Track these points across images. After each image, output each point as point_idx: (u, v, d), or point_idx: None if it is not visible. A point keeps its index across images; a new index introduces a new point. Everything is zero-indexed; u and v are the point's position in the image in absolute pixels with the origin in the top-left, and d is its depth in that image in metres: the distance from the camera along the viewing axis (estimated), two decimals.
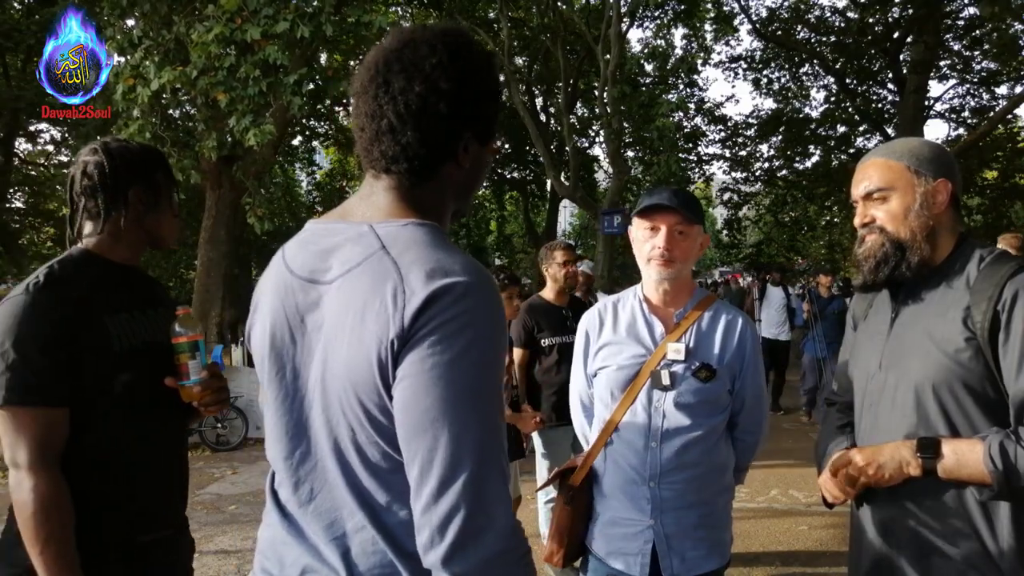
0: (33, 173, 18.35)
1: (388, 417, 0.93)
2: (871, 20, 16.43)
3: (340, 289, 0.98)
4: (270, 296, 1.08)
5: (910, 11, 14.99)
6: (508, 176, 23.70)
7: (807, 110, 20.00)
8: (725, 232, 23.83)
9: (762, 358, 2.02)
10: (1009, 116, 15.95)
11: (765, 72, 19.65)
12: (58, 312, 1.41)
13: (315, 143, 20.86)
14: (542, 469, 3.84)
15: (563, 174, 16.37)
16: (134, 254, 1.63)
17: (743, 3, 17.81)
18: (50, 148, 18.35)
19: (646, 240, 1.90)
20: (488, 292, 0.93)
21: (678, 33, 43.44)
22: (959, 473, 1.33)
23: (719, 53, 32.56)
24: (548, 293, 4.06)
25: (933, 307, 1.45)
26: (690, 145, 20.89)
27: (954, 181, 1.49)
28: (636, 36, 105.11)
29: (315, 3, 7.54)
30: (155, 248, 1.70)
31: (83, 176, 1.56)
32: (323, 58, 10.81)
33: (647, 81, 20.48)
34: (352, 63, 12.11)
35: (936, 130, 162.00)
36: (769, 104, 26.75)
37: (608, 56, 14.22)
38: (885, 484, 1.43)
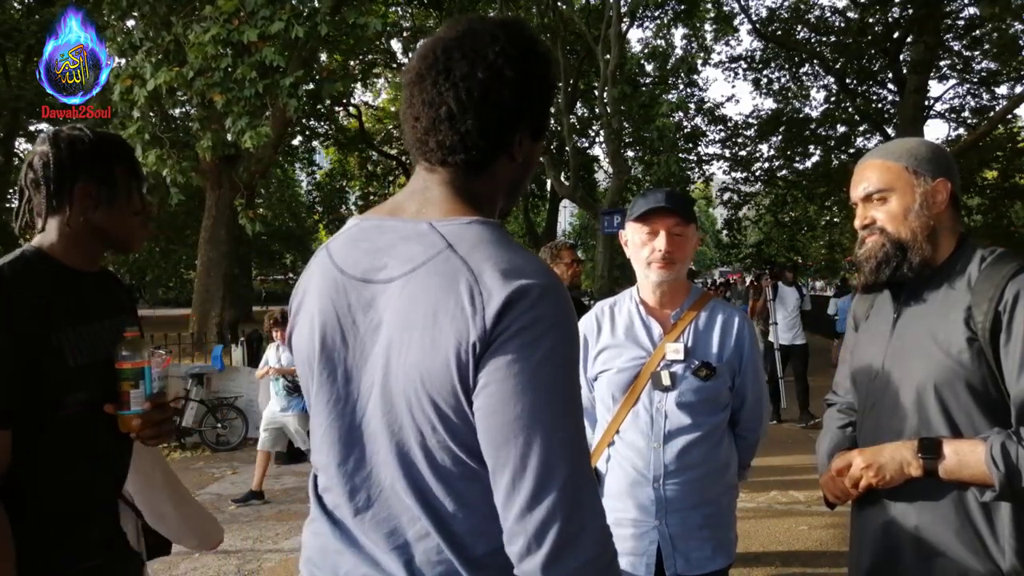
0: None
1: (464, 421, 0.91)
2: (871, 20, 16.44)
3: (404, 289, 0.94)
4: (317, 296, 1.03)
5: (910, 11, 15.00)
6: None
7: (807, 110, 20.03)
8: (725, 232, 23.84)
9: (761, 355, 2.02)
10: (1009, 116, 15.96)
11: (765, 72, 19.67)
12: (5, 324, 1.26)
13: (315, 143, 20.87)
14: None
15: (563, 174, 16.38)
16: (88, 258, 1.48)
17: (743, 3, 17.84)
18: None
19: (644, 244, 1.90)
20: (562, 293, 0.92)
21: (678, 33, 43.46)
22: (960, 474, 1.33)
23: (719, 53, 32.55)
24: None
25: (935, 308, 1.45)
26: (690, 145, 20.90)
27: (953, 180, 1.48)
28: (636, 36, 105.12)
29: (313, 4, 7.54)
30: (116, 252, 1.55)
31: (28, 168, 1.43)
32: (323, 58, 10.81)
33: (647, 81, 20.49)
34: (352, 63, 12.11)
35: (936, 130, 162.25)
36: (769, 104, 26.73)
37: (608, 56, 14.23)
38: (886, 485, 1.43)
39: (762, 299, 9.23)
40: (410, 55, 1.10)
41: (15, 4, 13.82)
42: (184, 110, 10.69)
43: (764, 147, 20.72)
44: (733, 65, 19.95)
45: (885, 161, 1.52)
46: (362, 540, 0.99)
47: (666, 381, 1.84)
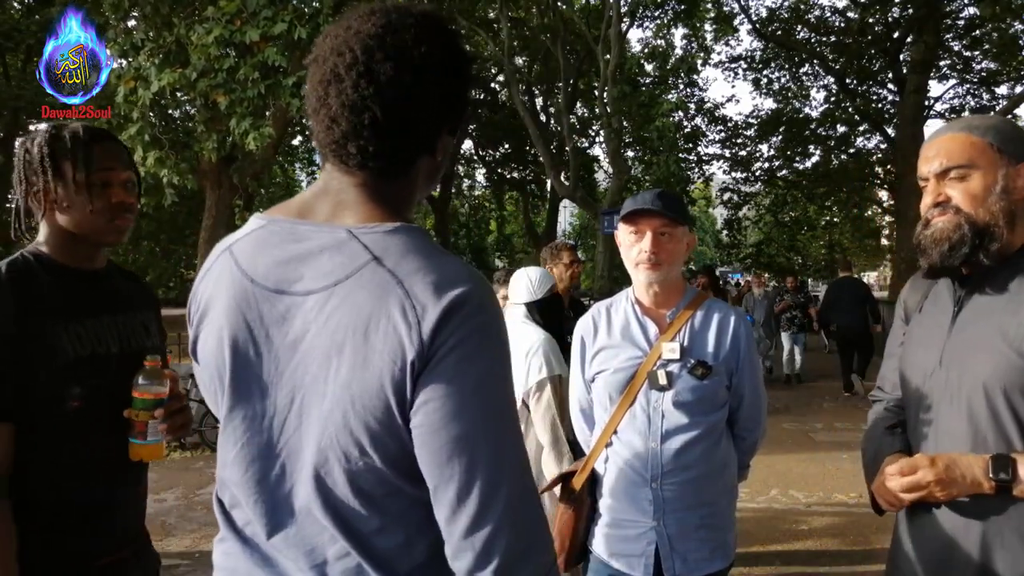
0: None
1: (396, 439, 0.88)
2: (871, 20, 16.44)
3: (326, 303, 0.89)
4: (224, 306, 0.96)
5: (910, 11, 15.00)
6: (508, 176, 23.70)
7: (807, 110, 20.04)
8: (725, 232, 23.84)
9: (758, 355, 2.02)
10: (1009, 116, 15.95)
11: (765, 72, 19.68)
12: (1, 321, 1.30)
13: (315, 143, 20.85)
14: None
15: (563, 174, 16.37)
16: (81, 255, 1.48)
17: (743, 3, 17.84)
18: None
19: (632, 245, 1.91)
20: (493, 299, 0.90)
21: (678, 33, 43.45)
22: None
23: (719, 53, 32.63)
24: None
25: (1004, 302, 1.32)
26: (690, 145, 20.89)
27: None
28: (636, 36, 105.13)
29: (314, 4, 7.55)
30: (93, 245, 1.51)
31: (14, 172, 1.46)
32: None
33: (647, 81, 20.48)
34: None
35: None
36: (769, 104, 26.78)
37: (608, 56, 14.23)
38: (948, 499, 1.34)
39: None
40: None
41: (15, 4, 13.82)
42: (184, 111, 10.70)
43: (764, 147, 20.73)
44: (733, 65, 19.97)
45: (968, 135, 1.36)
46: (277, 559, 0.95)
47: (662, 380, 1.84)
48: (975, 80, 17.24)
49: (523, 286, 2.97)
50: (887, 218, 22.89)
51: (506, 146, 22.35)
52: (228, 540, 1.00)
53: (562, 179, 15.81)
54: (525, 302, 2.93)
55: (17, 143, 1.45)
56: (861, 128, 18.87)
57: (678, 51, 21.31)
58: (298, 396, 0.92)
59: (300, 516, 0.93)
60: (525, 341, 2.73)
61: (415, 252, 0.89)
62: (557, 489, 2.06)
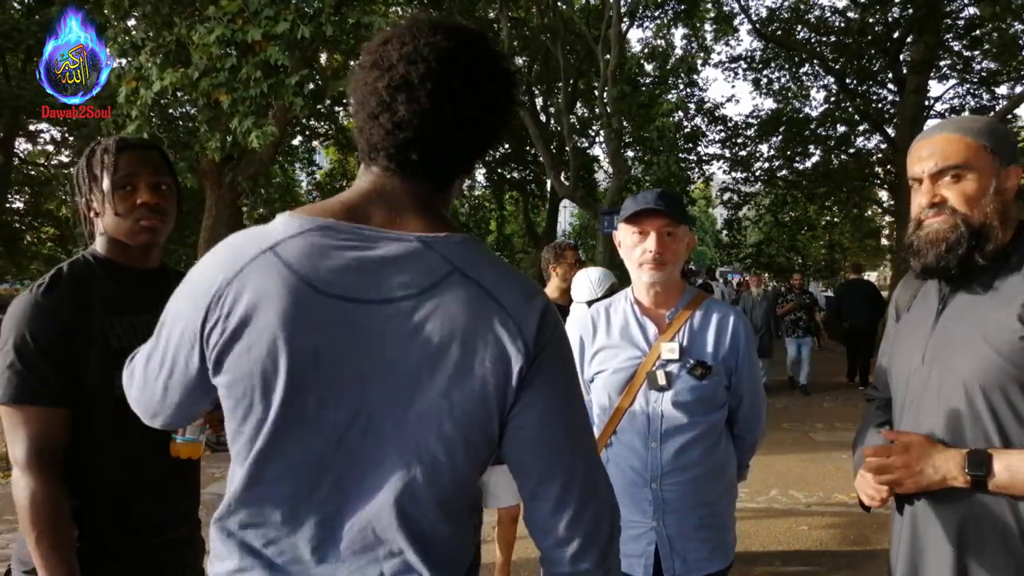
0: (33, 173, 18.32)
1: (489, 445, 0.95)
2: (871, 20, 16.42)
3: (413, 313, 0.89)
4: (277, 309, 0.89)
5: (910, 11, 14.98)
6: (508, 176, 23.69)
7: (807, 110, 19.99)
8: (725, 232, 23.82)
9: (757, 355, 2.02)
10: (1009, 116, 15.94)
11: (765, 72, 19.64)
12: (59, 314, 1.43)
13: (315, 143, 20.86)
14: None
15: (563, 174, 16.36)
16: (134, 255, 1.61)
17: (743, 3, 17.81)
18: (50, 148, 18.33)
19: (636, 245, 1.91)
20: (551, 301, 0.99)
21: (678, 33, 43.52)
22: (1013, 489, 1.25)
23: (719, 53, 32.63)
24: (553, 292, 4.08)
25: (985, 300, 1.34)
26: (690, 145, 20.87)
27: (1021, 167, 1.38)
28: (636, 36, 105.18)
29: (316, 4, 7.54)
30: (133, 246, 1.60)
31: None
32: (323, 58, 10.82)
33: (647, 81, 20.46)
34: (353, 63, 12.11)
35: None
36: (769, 104, 26.78)
37: (608, 56, 14.22)
38: (917, 491, 1.35)
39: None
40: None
41: (15, 4, 13.81)
42: (184, 110, 10.69)
43: (764, 147, 20.69)
44: (733, 65, 19.93)
45: (964, 136, 1.37)
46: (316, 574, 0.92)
47: (662, 380, 1.85)
48: (975, 80, 17.21)
49: (585, 286, 3.40)
50: (887, 218, 22.87)
51: (506, 146, 22.33)
52: (251, 571, 0.94)
53: (562, 179, 15.80)
54: (587, 300, 3.31)
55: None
56: (861, 128, 18.83)
57: (678, 51, 21.28)
58: (366, 407, 0.90)
59: (354, 530, 0.91)
60: None
61: (490, 263, 0.96)
62: None
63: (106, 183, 1.55)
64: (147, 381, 1.04)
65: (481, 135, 0.97)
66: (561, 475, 0.93)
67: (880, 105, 18.18)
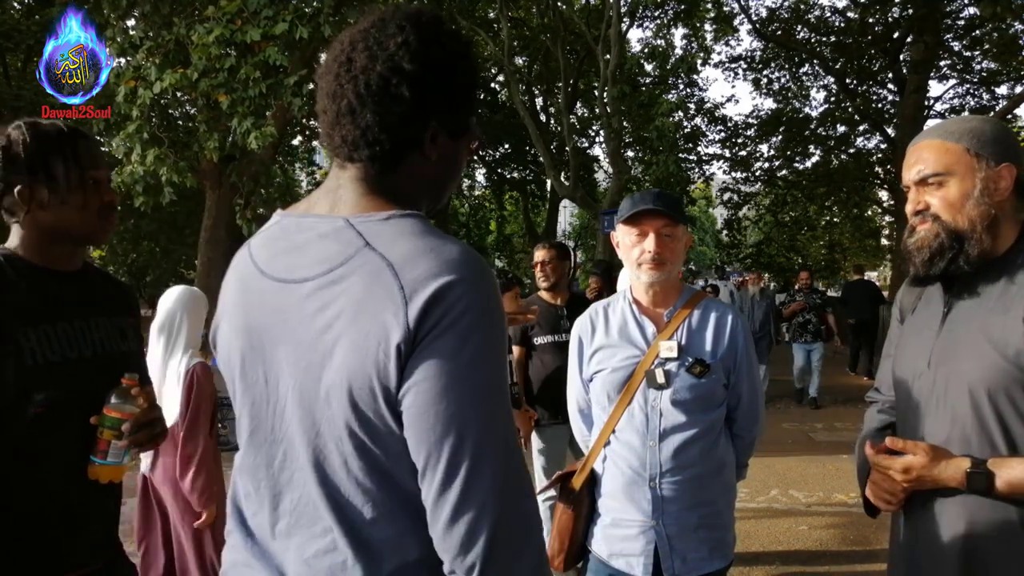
0: None
1: (385, 424, 0.88)
2: (871, 20, 16.43)
3: (320, 289, 0.91)
4: (237, 297, 1.02)
5: (910, 11, 14.99)
6: (508, 176, 23.70)
7: (807, 110, 20.01)
8: (725, 232, 23.84)
9: (755, 353, 2.02)
10: (1009, 116, 15.95)
11: (765, 72, 19.65)
12: None
13: (315, 143, 20.85)
14: (538, 468, 3.86)
15: (563, 174, 16.37)
16: (57, 256, 1.44)
17: (743, 3, 17.81)
18: None
19: (634, 245, 1.91)
20: (489, 280, 0.89)
21: (678, 33, 43.51)
22: (1015, 497, 1.24)
23: (719, 53, 32.53)
24: (544, 292, 4.09)
25: (991, 303, 1.32)
26: (690, 145, 20.87)
27: (1019, 164, 1.35)
28: (636, 36, 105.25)
29: (315, 4, 7.55)
30: (81, 246, 1.49)
31: None
32: (322, 58, 10.82)
33: (647, 81, 20.47)
34: None
35: None
36: (769, 104, 26.73)
37: (608, 56, 14.22)
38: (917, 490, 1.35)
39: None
40: None
41: (15, 4, 13.81)
42: (184, 110, 10.69)
43: (764, 147, 20.71)
44: (733, 65, 19.94)
45: (944, 141, 1.37)
46: (274, 552, 0.96)
47: (660, 379, 1.85)
48: (975, 80, 17.22)
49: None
50: (887, 218, 22.89)
51: (506, 146, 22.33)
52: (234, 532, 1.03)
53: (562, 179, 15.80)
54: None
55: None
56: (861, 128, 18.85)
57: (678, 51, 21.28)
58: (296, 383, 0.93)
59: (299, 504, 0.94)
60: None
61: (409, 236, 0.90)
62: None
63: (73, 174, 1.38)
64: None
65: (396, 110, 0.93)
66: (442, 463, 0.84)
67: (880, 105, 18.19)
